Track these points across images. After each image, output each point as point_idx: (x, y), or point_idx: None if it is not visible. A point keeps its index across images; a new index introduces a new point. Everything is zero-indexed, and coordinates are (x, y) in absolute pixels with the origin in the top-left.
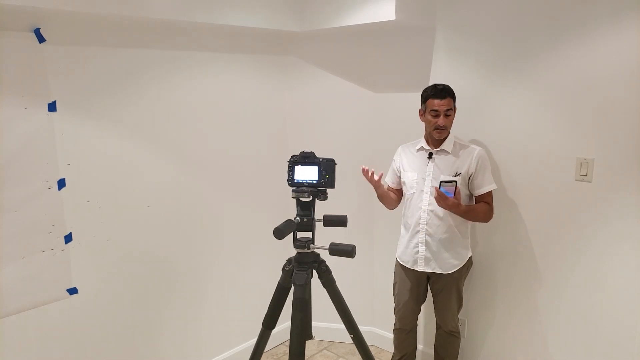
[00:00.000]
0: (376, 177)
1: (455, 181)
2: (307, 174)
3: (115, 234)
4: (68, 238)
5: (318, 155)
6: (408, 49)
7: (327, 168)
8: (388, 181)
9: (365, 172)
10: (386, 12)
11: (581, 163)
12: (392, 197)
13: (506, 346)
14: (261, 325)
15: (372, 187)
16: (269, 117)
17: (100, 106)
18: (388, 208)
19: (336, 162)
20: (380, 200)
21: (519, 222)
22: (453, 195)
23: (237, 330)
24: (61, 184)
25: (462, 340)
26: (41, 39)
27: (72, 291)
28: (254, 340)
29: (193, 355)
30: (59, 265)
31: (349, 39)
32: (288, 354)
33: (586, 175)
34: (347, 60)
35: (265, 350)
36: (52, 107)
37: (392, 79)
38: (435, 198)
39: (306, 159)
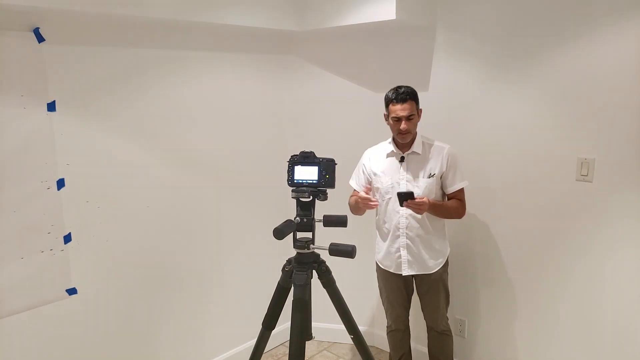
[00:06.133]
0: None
1: (412, 192)
2: (307, 174)
3: (115, 234)
4: (67, 238)
5: (318, 155)
6: (408, 49)
7: (327, 168)
8: (354, 185)
9: (366, 201)
10: (386, 11)
11: (582, 163)
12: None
13: (507, 347)
14: (261, 326)
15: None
16: (268, 117)
17: (99, 106)
18: (359, 214)
19: (336, 162)
20: (355, 212)
21: (519, 222)
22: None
23: (237, 331)
24: (60, 184)
25: (462, 340)
26: (40, 39)
27: (72, 291)
28: (253, 341)
29: (192, 356)
30: (58, 265)
31: (349, 39)
32: (288, 355)
33: (587, 175)
34: (347, 59)
35: (265, 351)
36: (51, 106)
37: (392, 79)
38: (414, 210)
39: (306, 159)
